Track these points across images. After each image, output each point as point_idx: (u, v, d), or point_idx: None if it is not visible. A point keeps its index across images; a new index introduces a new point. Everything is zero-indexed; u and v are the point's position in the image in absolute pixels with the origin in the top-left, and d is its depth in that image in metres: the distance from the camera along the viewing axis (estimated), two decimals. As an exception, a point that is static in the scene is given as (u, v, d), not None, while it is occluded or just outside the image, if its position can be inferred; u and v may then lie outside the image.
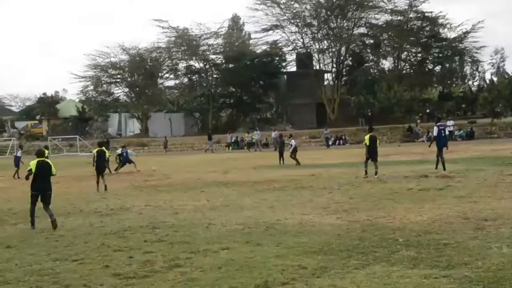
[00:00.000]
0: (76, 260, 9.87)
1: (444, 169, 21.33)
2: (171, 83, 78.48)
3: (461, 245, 9.48)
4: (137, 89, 74.48)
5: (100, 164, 22.29)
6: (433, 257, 8.77)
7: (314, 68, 68.40)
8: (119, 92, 77.61)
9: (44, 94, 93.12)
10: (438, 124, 22.77)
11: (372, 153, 21.65)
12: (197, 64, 75.15)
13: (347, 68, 69.89)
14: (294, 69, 73.26)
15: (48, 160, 14.51)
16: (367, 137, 22.11)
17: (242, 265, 8.92)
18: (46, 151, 27.95)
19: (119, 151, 32.62)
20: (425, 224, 11.51)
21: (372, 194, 16.46)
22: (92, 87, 76.23)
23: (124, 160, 31.50)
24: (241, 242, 10.60)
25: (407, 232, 10.73)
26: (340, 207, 14.40)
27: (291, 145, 31.37)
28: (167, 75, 76.84)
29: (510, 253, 8.73)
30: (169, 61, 74.97)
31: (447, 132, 22.42)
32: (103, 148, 23.41)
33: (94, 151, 23.82)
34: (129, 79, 74.99)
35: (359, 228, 11.37)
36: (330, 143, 51.32)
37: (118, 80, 75.76)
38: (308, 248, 9.84)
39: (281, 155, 31.53)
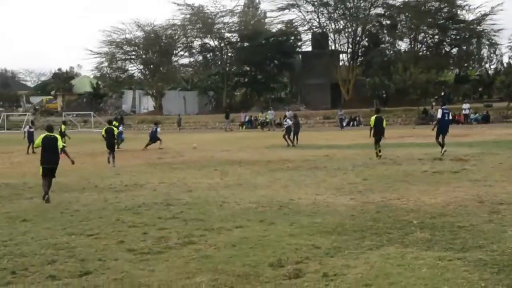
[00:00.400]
0: (91, 235, 9.96)
1: (442, 147, 21.32)
2: (185, 61, 78.34)
3: (476, 228, 9.45)
4: (152, 66, 74.40)
5: (110, 141, 22.95)
6: (448, 240, 8.75)
7: (330, 48, 67.84)
8: (134, 69, 77.62)
9: (59, 69, 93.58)
10: (443, 107, 22.62)
11: (378, 134, 21.77)
12: (212, 42, 74.88)
13: (363, 49, 69.23)
14: (309, 49, 72.75)
15: (56, 134, 14.78)
16: (373, 118, 22.34)
17: (256, 243, 8.95)
18: (63, 126, 28.18)
19: (158, 129, 32.87)
20: (439, 206, 11.47)
21: (386, 176, 16.41)
22: (106, 64, 76.20)
23: (153, 136, 31.74)
24: (254, 221, 10.63)
25: (422, 214, 10.70)
26: (354, 188, 14.38)
27: (285, 124, 31.53)
28: (181, 52, 76.65)
29: (525, 238, 8.68)
30: (184, 38, 74.73)
31: (450, 117, 22.32)
32: (112, 126, 24.14)
33: (103, 129, 24.27)
34: (143, 56, 74.86)
35: (373, 209, 11.35)
36: (344, 124, 51.13)
37: (132, 57, 75.68)
38: (321, 228, 9.85)
39: (295, 135, 31.45)
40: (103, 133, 23.66)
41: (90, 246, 9.19)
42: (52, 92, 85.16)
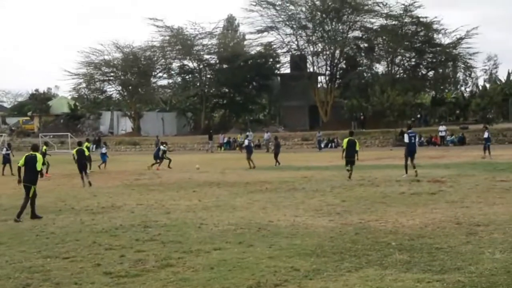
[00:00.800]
0: (67, 257, 9.80)
1: (406, 172, 21.96)
2: (164, 82, 78.29)
3: (453, 249, 9.48)
4: (130, 87, 74.20)
5: (80, 162, 23.36)
6: (426, 261, 8.76)
7: (308, 70, 68.36)
8: (112, 90, 77.33)
9: (37, 90, 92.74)
10: (409, 131, 23.15)
11: (350, 156, 22.40)
12: (191, 64, 75.03)
13: (341, 71, 69.88)
14: (288, 71, 73.20)
15: (37, 154, 14.84)
16: (345, 140, 22.98)
17: (235, 265, 8.88)
18: (44, 147, 28.05)
19: (162, 147, 32.51)
20: (417, 228, 11.50)
21: (364, 197, 16.45)
22: (84, 85, 75.89)
23: (155, 154, 31.72)
24: (233, 243, 10.55)
25: (400, 236, 10.72)
26: (332, 209, 14.38)
27: (243, 143, 31.93)
28: (160, 74, 76.63)
29: (503, 259, 8.73)
30: (163, 60, 74.79)
31: (416, 139, 23.27)
32: (83, 147, 24.51)
33: (74, 151, 24.89)
34: (122, 77, 74.66)
35: (352, 231, 11.35)
36: (322, 145, 51.32)
37: (111, 78, 75.45)
38: (300, 250, 9.81)
39: (276, 156, 31.76)
40: (74, 154, 24.11)
41: (66, 269, 9.03)
42: (29, 113, 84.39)
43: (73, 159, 24.07)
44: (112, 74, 75.09)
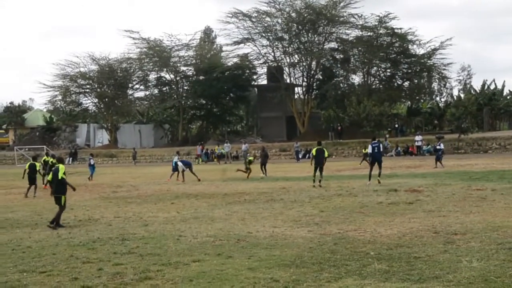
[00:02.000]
0: (44, 272, 9.67)
1: (369, 179, 23.06)
2: (141, 94, 78.15)
3: (431, 258, 9.54)
4: (107, 99, 73.87)
5: (30, 175, 24.26)
6: (405, 271, 8.80)
7: (285, 81, 68.65)
8: (88, 102, 77.02)
9: (11, 103, 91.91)
10: (373, 142, 24.01)
11: (318, 163, 23.93)
12: (168, 76, 75.00)
13: (318, 82, 70.28)
14: (265, 82, 73.49)
15: (60, 165, 15.50)
16: (314, 149, 24.78)
17: (214, 277, 8.84)
18: (51, 159, 27.74)
19: (175, 159, 32.13)
20: (395, 237, 11.56)
21: (342, 208, 16.50)
22: (60, 97, 75.41)
23: (173, 167, 31.47)
24: (212, 255, 10.50)
25: (378, 246, 10.76)
26: (311, 220, 14.40)
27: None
28: (137, 86, 76.48)
29: (480, 267, 8.80)
30: (140, 72, 74.65)
31: (381, 149, 24.13)
32: (36, 162, 25.27)
33: (27, 165, 25.57)
34: (98, 90, 74.32)
35: (331, 241, 11.37)
36: (300, 156, 51.45)
37: (87, 90, 75.06)
38: (280, 260, 9.79)
39: (263, 165, 32.09)
40: (27, 168, 24.79)
41: (42, 283, 8.91)
42: (4, 126, 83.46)
43: (23, 172, 24.90)
44: (88, 86, 74.73)
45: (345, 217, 14.68)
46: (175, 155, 33.21)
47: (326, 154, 24.58)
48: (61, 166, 15.27)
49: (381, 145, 23.87)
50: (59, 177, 15.02)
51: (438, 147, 34.08)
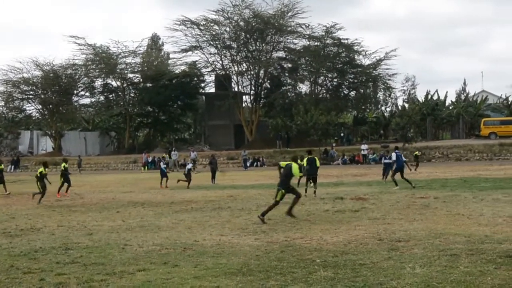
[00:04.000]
0: (-18, 283, 9.36)
1: (305, 192, 22.17)
2: (86, 101, 76.84)
3: (376, 265, 9.66)
4: (51, 106, 72.35)
5: None
6: (350, 277, 8.88)
7: (233, 90, 68.78)
8: (32, 109, 75.24)
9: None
10: (309, 156, 23.32)
11: (311, 174, 22.75)
12: (114, 83, 74.04)
13: (265, 90, 70.66)
14: (213, 90, 73.48)
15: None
16: (305, 159, 23.26)
17: (159, 286, 8.73)
18: (64, 164, 26.95)
19: (189, 166, 31.75)
20: (341, 245, 11.67)
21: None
22: (2, 103, 73.58)
23: (161, 172, 31.47)
24: (158, 263, 10.38)
25: (324, 253, 10.84)
26: (258, 228, 14.41)
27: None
28: (82, 92, 75.15)
29: (423, 273, 8.96)
30: (85, 78, 73.40)
31: (317, 164, 23.21)
32: None
33: None
34: (42, 96, 72.73)
35: (278, 249, 11.39)
36: (248, 164, 51.55)
37: (30, 96, 73.35)
38: (226, 269, 9.75)
39: (213, 174, 32.19)
40: None
41: (-19, 295, 8.63)
42: None
43: None
44: (31, 92, 73.06)
45: (292, 225, 14.75)
46: (161, 160, 33.18)
47: (317, 163, 23.22)
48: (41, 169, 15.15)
49: (316, 160, 23.36)
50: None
51: (386, 160, 29.32)
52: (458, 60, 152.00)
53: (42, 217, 18.31)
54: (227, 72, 69.66)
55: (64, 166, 27.20)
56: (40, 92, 72.80)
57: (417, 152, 41.36)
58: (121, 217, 17.72)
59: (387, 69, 68.87)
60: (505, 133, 57.59)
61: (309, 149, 26.36)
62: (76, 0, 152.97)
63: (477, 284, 8.23)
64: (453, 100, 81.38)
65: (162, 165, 32.11)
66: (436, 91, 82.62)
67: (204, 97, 77.37)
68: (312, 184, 22.95)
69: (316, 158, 23.70)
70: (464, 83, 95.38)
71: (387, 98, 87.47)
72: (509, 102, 74.18)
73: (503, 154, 48.95)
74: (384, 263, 9.77)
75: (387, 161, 28.73)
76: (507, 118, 64.43)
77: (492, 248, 10.64)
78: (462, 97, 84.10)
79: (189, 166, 31.80)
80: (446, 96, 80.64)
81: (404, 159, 26.08)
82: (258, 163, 54.00)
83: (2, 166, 25.69)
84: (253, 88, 69.27)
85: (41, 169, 23.96)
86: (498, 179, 27.45)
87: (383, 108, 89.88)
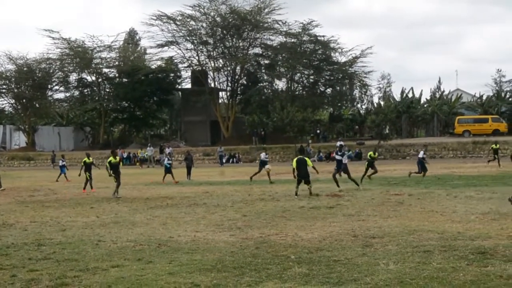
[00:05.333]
0: (-48, 279, 9.20)
1: (296, 196, 20.49)
2: (61, 95, 76.05)
3: (350, 261, 9.71)
4: (24, 100, 71.48)
5: None
6: (324, 274, 8.91)
7: (209, 86, 68.62)
8: (5, 103, 74.33)
9: None
10: (298, 158, 21.15)
11: (302, 176, 20.70)
12: (89, 77, 73.38)
13: (242, 87, 70.63)
14: (189, 86, 73.18)
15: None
16: (294, 160, 21.15)
17: (133, 283, 8.66)
18: (87, 159, 26.28)
19: (166, 161, 31.57)
20: (316, 241, 11.71)
21: (265, 212, 16.59)
22: (-26, 97, 72.43)
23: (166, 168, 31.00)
24: (132, 260, 10.30)
25: (299, 249, 10.86)
26: (233, 224, 14.39)
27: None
28: (57, 87, 74.33)
29: (396, 269, 9.03)
30: (60, 72, 72.58)
31: (310, 164, 21.08)
32: None
33: None
34: (15, 90, 71.81)
35: (253, 245, 11.39)
36: (224, 160, 51.49)
37: (3, 90, 72.37)
38: (201, 265, 9.72)
39: (189, 170, 31.93)
40: None
41: (-50, 291, 8.48)
42: None
43: None
44: (4, 86, 72.06)
45: (267, 221, 14.75)
46: (166, 157, 32.84)
47: (309, 163, 20.89)
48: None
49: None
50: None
51: (337, 156, 24.89)
52: (433, 59, 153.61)
53: (15, 213, 18.08)
54: (204, 68, 69.46)
55: (88, 161, 26.68)
56: (13, 86, 71.89)
57: (494, 145, 37.02)
58: (95, 213, 17.58)
59: (363, 66, 69.28)
60: (478, 131, 58.39)
61: (300, 146, 23.15)
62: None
63: (449, 280, 8.31)
64: (428, 98, 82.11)
65: (167, 162, 31.54)
66: (411, 89, 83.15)
67: (180, 93, 77.10)
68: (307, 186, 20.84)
69: (307, 158, 21.43)
70: (439, 82, 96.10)
71: (363, 95, 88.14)
72: (483, 101, 75.10)
73: (476, 152, 49.56)
74: (358, 259, 9.82)
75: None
76: (480, 116, 65.32)
77: (465, 245, 10.75)
78: (437, 95, 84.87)
79: (167, 161, 31.56)
80: (421, 94, 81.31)
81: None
82: (234, 159, 53.97)
83: None
84: (230, 84, 69.19)
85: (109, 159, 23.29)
86: (471, 177, 27.77)
87: (359, 105, 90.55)
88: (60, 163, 35.38)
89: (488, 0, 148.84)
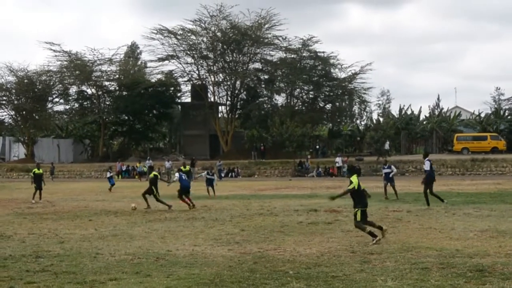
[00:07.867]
0: (-50, 290, 9.20)
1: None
2: (61, 108, 76.14)
3: (348, 277, 9.70)
4: (24, 112, 71.53)
5: None
6: (322, 289, 8.91)
7: (209, 100, 68.73)
8: (4, 114, 74.30)
9: None
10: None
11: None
12: (89, 90, 73.51)
13: (242, 101, 70.73)
14: (189, 99, 73.27)
15: None
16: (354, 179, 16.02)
17: (131, 296, 8.66)
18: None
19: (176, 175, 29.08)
20: (314, 257, 11.70)
21: (263, 227, 16.57)
22: (-26, 108, 72.43)
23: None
24: (130, 273, 10.29)
25: (297, 265, 10.85)
26: (232, 238, 14.38)
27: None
28: (57, 99, 74.46)
29: (394, 286, 9.03)
30: (60, 85, 72.69)
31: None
32: None
33: None
34: (15, 102, 71.89)
35: (251, 260, 11.38)
36: (222, 175, 51.46)
37: (3, 102, 72.43)
38: (199, 279, 9.71)
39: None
40: None
41: None
42: None
43: None
44: (5, 98, 72.13)
45: (265, 236, 14.74)
46: (176, 171, 30.41)
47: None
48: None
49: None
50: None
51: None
52: (432, 76, 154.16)
53: (13, 224, 18.06)
54: (204, 82, 69.61)
55: (34, 172, 27.15)
56: (13, 98, 71.98)
57: None
58: (94, 225, 17.56)
59: (362, 82, 69.54)
60: (477, 149, 58.40)
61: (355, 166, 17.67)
62: (53, 6, 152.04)
63: (447, 298, 8.31)
64: (427, 115, 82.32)
65: (183, 176, 28.76)
66: (410, 105, 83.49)
67: (180, 107, 77.17)
68: None
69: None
70: (438, 99, 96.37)
71: (362, 111, 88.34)
72: (482, 118, 75.24)
73: (475, 169, 49.55)
74: (356, 276, 9.82)
75: (385, 170, 26.32)
76: (479, 134, 65.38)
77: (463, 262, 10.75)
78: (436, 112, 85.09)
79: (176, 177, 30.35)
80: (420, 111, 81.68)
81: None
82: (233, 173, 53.94)
83: None
84: (229, 99, 69.30)
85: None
86: (469, 194, 27.77)
87: (358, 121, 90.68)
88: (108, 174, 37.25)
89: (486, 17, 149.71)
